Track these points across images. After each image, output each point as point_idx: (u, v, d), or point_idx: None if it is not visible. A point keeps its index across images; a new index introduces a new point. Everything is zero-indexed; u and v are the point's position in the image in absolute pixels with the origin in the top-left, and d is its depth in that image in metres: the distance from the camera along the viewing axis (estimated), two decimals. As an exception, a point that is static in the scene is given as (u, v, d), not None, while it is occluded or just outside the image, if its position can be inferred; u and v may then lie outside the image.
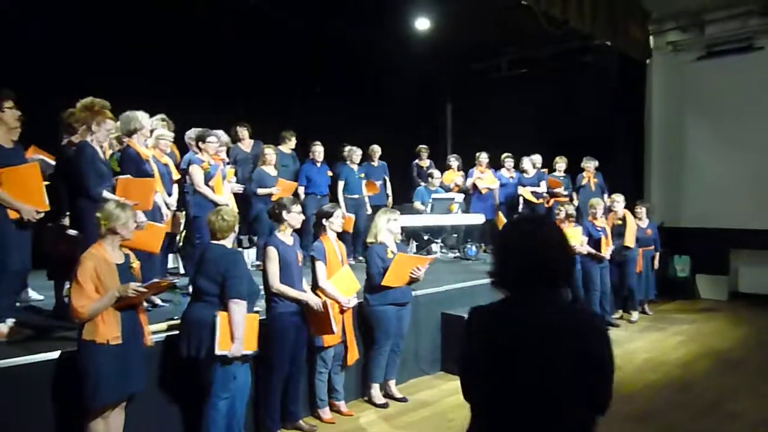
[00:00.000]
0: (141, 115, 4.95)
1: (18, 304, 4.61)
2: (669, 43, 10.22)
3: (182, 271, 6.81)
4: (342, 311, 4.53)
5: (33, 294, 5.34)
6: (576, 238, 6.99)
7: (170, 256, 6.76)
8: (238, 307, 3.72)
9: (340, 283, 4.49)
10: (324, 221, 4.62)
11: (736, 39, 9.54)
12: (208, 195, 5.52)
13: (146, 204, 4.59)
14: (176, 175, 5.79)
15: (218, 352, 3.66)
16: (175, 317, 4.32)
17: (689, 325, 7.89)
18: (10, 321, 3.99)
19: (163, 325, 4.19)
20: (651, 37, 10.26)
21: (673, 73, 10.22)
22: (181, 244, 6.80)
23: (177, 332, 3.97)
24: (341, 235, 4.84)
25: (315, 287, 4.49)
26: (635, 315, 8.12)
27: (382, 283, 4.68)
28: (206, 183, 5.56)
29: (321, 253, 4.52)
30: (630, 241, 7.93)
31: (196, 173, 5.55)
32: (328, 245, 4.58)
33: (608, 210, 8.40)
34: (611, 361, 1.76)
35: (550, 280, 1.77)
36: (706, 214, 9.69)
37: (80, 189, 4.21)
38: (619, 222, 7.97)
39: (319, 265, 4.49)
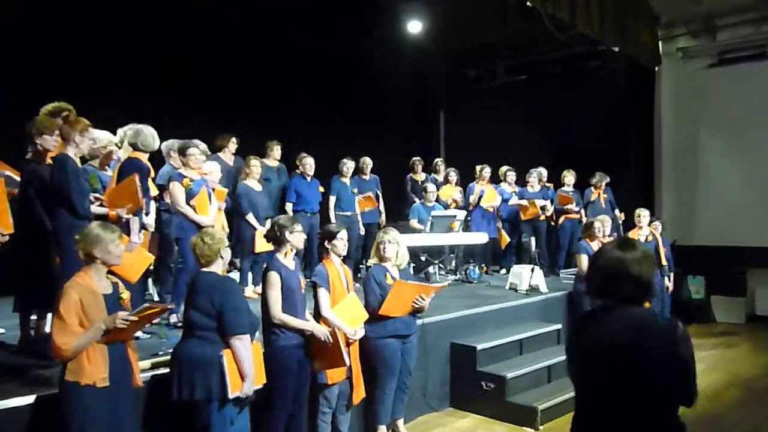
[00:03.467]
0: (157, 137, 4.93)
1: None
2: (679, 50, 10.39)
3: (156, 297, 6.63)
4: (348, 344, 4.40)
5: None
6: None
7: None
8: (242, 343, 3.62)
9: (345, 312, 4.38)
10: (327, 243, 4.51)
11: (750, 45, 9.72)
12: (190, 215, 5.37)
13: (138, 202, 4.50)
14: (154, 191, 5.67)
15: (231, 395, 3.55)
16: (160, 353, 4.21)
17: (708, 351, 7.90)
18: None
19: (147, 363, 4.05)
20: (660, 43, 10.41)
21: (683, 81, 10.37)
22: (151, 267, 6.66)
23: (164, 371, 3.85)
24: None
25: (317, 317, 4.38)
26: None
27: (380, 312, 4.58)
28: (188, 201, 5.40)
29: (324, 278, 4.41)
30: (662, 260, 7.84)
31: (177, 191, 5.39)
32: (331, 270, 4.47)
33: (616, 225, 8.45)
34: (689, 361, 2.20)
35: (635, 296, 2.29)
36: (721, 231, 9.78)
37: (64, 207, 4.05)
38: (650, 239, 7.91)
39: (322, 293, 4.38)
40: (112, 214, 4.40)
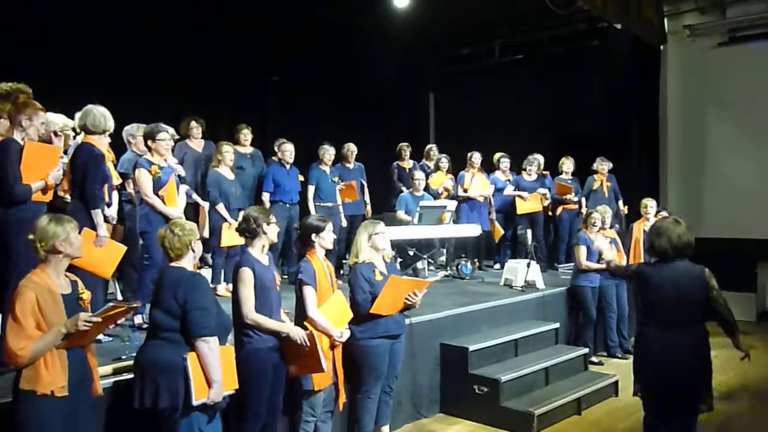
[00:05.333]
0: (109, 115, 4.82)
1: None
2: (686, 27, 10.44)
3: (119, 296, 6.57)
4: (333, 346, 4.39)
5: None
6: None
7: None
8: (208, 346, 3.56)
9: (331, 312, 4.36)
10: (314, 236, 4.49)
11: (762, 23, 9.77)
12: (157, 206, 5.30)
13: (43, 174, 4.33)
14: (116, 180, 5.61)
15: (196, 402, 3.51)
16: (123, 357, 4.18)
17: (718, 351, 7.86)
18: None
19: (109, 368, 4.02)
20: (666, 20, 10.44)
21: (691, 61, 10.43)
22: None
23: (127, 377, 3.82)
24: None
25: (302, 317, 4.34)
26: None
27: (371, 311, 4.56)
28: (157, 191, 5.34)
29: (310, 275, 4.37)
30: None
31: (144, 179, 5.33)
32: (317, 266, 4.44)
33: (619, 217, 8.50)
34: (718, 292, 3.92)
35: (684, 254, 3.94)
36: (731, 222, 9.86)
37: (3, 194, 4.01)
38: None
39: (309, 291, 4.35)
40: (50, 183, 4.34)
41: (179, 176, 5.83)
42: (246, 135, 7.72)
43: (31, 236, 3.27)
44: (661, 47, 10.50)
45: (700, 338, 3.88)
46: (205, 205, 6.65)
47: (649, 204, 8.09)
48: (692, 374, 3.83)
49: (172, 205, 5.37)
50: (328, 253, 4.70)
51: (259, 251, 4.20)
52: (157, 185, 5.32)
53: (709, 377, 3.96)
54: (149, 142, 5.44)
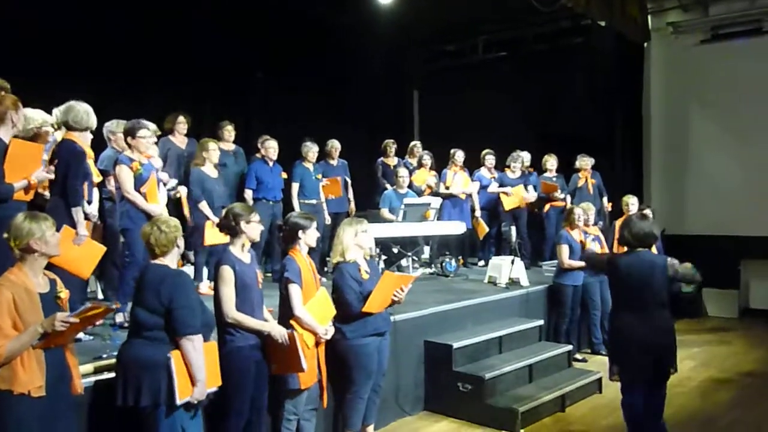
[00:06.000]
0: (91, 112, 4.82)
1: None
2: (669, 24, 10.52)
3: (100, 296, 6.54)
4: (317, 344, 4.39)
5: None
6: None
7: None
8: (192, 344, 3.57)
9: (315, 310, 4.37)
10: (299, 234, 4.48)
11: (745, 20, 9.87)
12: (139, 203, 5.27)
13: (27, 172, 4.29)
14: (97, 177, 5.56)
15: (180, 401, 3.51)
16: (104, 355, 4.16)
17: (700, 348, 8.06)
18: None
19: (90, 367, 3.99)
20: (649, 17, 10.51)
21: (674, 59, 10.51)
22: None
23: (109, 375, 3.80)
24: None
25: (287, 316, 4.34)
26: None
27: (365, 309, 4.57)
28: (138, 188, 5.31)
29: (296, 273, 4.37)
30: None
31: (126, 176, 5.29)
32: (302, 263, 4.44)
33: (603, 214, 8.55)
34: (685, 279, 4.50)
35: (645, 244, 4.49)
36: (714, 219, 9.96)
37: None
38: None
39: (294, 289, 4.35)
40: (33, 183, 4.30)
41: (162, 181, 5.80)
42: (230, 132, 7.69)
43: (5, 235, 3.25)
44: (645, 45, 10.56)
45: (666, 319, 4.39)
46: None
47: (630, 201, 8.17)
48: (667, 348, 4.39)
49: (154, 202, 5.34)
50: (311, 251, 4.70)
51: (240, 249, 4.19)
52: (139, 182, 5.28)
53: (675, 348, 4.48)
54: (129, 139, 5.40)
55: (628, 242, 4.51)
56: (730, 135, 10.01)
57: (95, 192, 5.46)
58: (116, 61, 7.76)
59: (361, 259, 4.79)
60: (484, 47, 11.81)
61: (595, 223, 8.07)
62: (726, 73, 9.93)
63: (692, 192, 10.35)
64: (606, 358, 7.29)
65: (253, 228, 4.22)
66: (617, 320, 4.53)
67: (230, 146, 7.71)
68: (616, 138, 10.55)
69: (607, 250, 7.68)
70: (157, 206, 5.34)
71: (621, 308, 4.49)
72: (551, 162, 9.28)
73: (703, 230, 10.02)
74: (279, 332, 4.15)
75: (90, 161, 5.31)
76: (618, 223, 8.07)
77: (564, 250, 7.17)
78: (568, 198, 9.18)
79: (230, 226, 4.20)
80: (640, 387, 4.41)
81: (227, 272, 4.05)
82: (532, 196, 9.16)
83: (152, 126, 5.87)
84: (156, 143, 5.96)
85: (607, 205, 9.26)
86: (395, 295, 4.70)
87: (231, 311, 4.04)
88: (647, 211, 8.17)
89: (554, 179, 9.22)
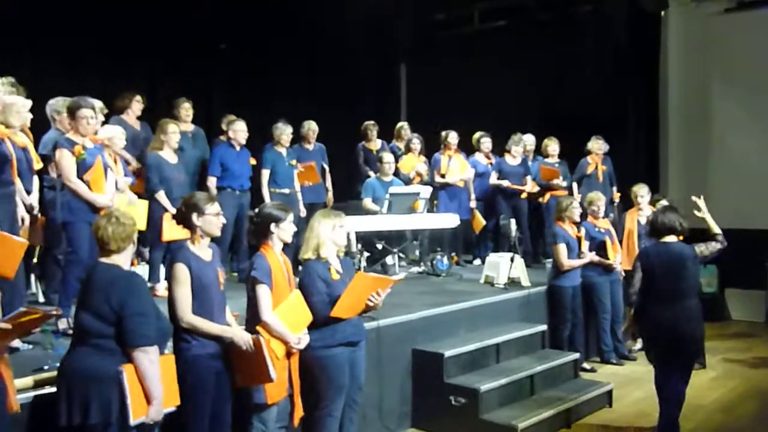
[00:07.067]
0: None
1: None
2: (689, -10, 10.55)
3: (41, 298, 6.50)
4: (289, 354, 4.37)
5: None
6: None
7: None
8: (147, 356, 3.54)
9: (288, 315, 4.32)
10: (273, 227, 4.46)
11: (773, -14, 9.92)
12: (82, 193, 5.22)
13: None
14: (37, 164, 5.52)
15: (133, 422, 3.49)
16: (45, 367, 4.13)
17: (723, 355, 8.13)
18: None
19: (29, 380, 3.97)
20: (666, -17, 10.54)
21: (695, 30, 10.54)
22: (35, 260, 6.55)
23: (50, 390, 3.78)
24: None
25: (255, 321, 4.31)
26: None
27: (332, 314, 4.54)
28: (80, 175, 5.26)
29: (265, 272, 4.34)
30: None
31: (66, 161, 5.24)
32: (273, 261, 4.41)
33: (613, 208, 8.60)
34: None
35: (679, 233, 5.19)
36: (738, 211, 9.96)
37: None
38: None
39: (263, 290, 4.31)
40: None
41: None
42: (186, 110, 7.67)
43: None
44: (662, 13, 10.58)
45: (696, 308, 5.09)
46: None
47: (640, 192, 8.17)
48: (694, 337, 5.08)
49: (99, 192, 5.29)
50: (285, 247, 4.67)
51: (198, 245, 4.17)
52: (82, 168, 5.23)
53: (703, 339, 5.26)
54: (70, 119, 5.35)
55: (659, 232, 5.18)
56: (757, 116, 10.04)
57: (35, 180, 5.43)
58: (56, 30, 7.68)
59: (333, 257, 4.77)
60: (481, 16, 11.80)
61: (606, 215, 8.10)
62: (753, 45, 9.97)
63: (714, 180, 10.37)
64: (617, 368, 7.46)
65: (209, 222, 4.17)
66: (648, 309, 5.17)
67: (188, 127, 7.69)
68: (629, 119, 10.60)
69: (618, 246, 7.72)
70: (103, 196, 5.30)
71: (652, 297, 5.13)
72: (552, 146, 9.32)
73: (727, 224, 9.66)
74: (242, 338, 4.12)
75: (29, 145, 5.28)
76: (630, 216, 8.14)
77: (561, 249, 7.19)
78: (575, 186, 9.21)
79: (185, 219, 4.17)
80: (672, 373, 5.08)
81: (181, 271, 4.02)
82: (528, 187, 9.19)
83: (98, 104, 5.82)
84: (104, 123, 5.92)
85: (615, 195, 9.27)
86: (370, 300, 4.65)
87: (186, 315, 4.00)
88: (663, 201, 8.26)
89: (556, 165, 9.25)
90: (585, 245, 7.34)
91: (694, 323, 5.04)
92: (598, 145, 9.16)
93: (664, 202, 8.26)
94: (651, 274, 5.11)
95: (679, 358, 5.06)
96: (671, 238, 5.14)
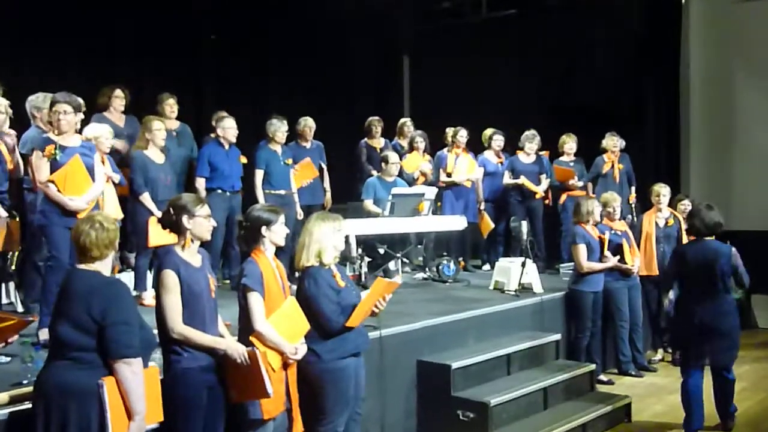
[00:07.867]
0: None
1: None
2: (711, -25, 10.55)
3: (20, 307, 6.51)
4: (285, 365, 4.36)
5: None
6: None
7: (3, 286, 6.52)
8: (130, 368, 3.51)
9: (283, 324, 4.32)
10: (263, 231, 4.45)
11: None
12: (51, 195, 5.24)
13: None
14: (9, 164, 5.56)
15: (115, 438, 3.47)
16: (24, 381, 4.14)
17: (750, 366, 8.09)
18: None
19: (5, 396, 3.98)
20: (687, -33, 10.55)
21: (718, 18, 10.53)
22: (13, 267, 6.53)
23: (29, 406, 3.75)
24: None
25: (247, 331, 4.30)
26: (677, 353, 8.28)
27: (349, 324, 4.56)
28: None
29: (257, 279, 4.32)
30: None
31: (38, 162, 5.24)
32: (265, 267, 4.40)
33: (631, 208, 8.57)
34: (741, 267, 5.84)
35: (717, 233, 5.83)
36: (765, 212, 9.98)
37: None
38: (671, 222, 8.05)
39: (255, 299, 4.29)
40: None
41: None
42: (171, 106, 7.71)
43: None
44: (682, 0, 10.58)
45: (729, 304, 5.71)
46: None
47: (662, 192, 8.10)
48: (726, 334, 5.66)
49: (74, 193, 5.28)
50: (279, 252, 4.66)
51: (187, 250, 4.15)
52: (54, 168, 5.23)
53: (737, 339, 5.83)
54: (49, 116, 5.36)
55: (699, 231, 5.73)
56: (785, 109, 10.04)
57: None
58: (36, 24, 7.68)
59: (334, 263, 4.77)
60: (489, 4, 11.81)
61: (623, 217, 8.07)
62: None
63: (739, 178, 10.38)
64: (635, 379, 7.44)
65: (200, 224, 4.16)
66: (682, 305, 5.84)
67: (173, 124, 7.72)
68: (648, 113, 10.61)
69: (636, 250, 7.69)
70: (77, 199, 5.29)
71: (686, 294, 5.80)
72: (570, 144, 9.29)
73: (753, 225, 10.03)
74: (237, 350, 4.10)
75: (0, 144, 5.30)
76: (647, 217, 8.11)
77: (581, 250, 7.17)
78: (590, 186, 9.20)
79: (172, 222, 4.16)
80: (698, 370, 5.70)
81: (170, 278, 4.00)
82: (543, 186, 9.17)
83: (78, 101, 5.81)
84: (83, 120, 5.90)
85: (632, 196, 9.23)
86: (376, 306, 4.68)
87: (176, 325, 3.98)
88: (686, 201, 8.26)
89: (571, 164, 9.24)
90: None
91: (724, 319, 5.63)
92: (613, 142, 9.14)
93: (686, 203, 8.28)
94: (685, 271, 5.78)
95: (703, 355, 5.69)
96: (709, 237, 5.68)
